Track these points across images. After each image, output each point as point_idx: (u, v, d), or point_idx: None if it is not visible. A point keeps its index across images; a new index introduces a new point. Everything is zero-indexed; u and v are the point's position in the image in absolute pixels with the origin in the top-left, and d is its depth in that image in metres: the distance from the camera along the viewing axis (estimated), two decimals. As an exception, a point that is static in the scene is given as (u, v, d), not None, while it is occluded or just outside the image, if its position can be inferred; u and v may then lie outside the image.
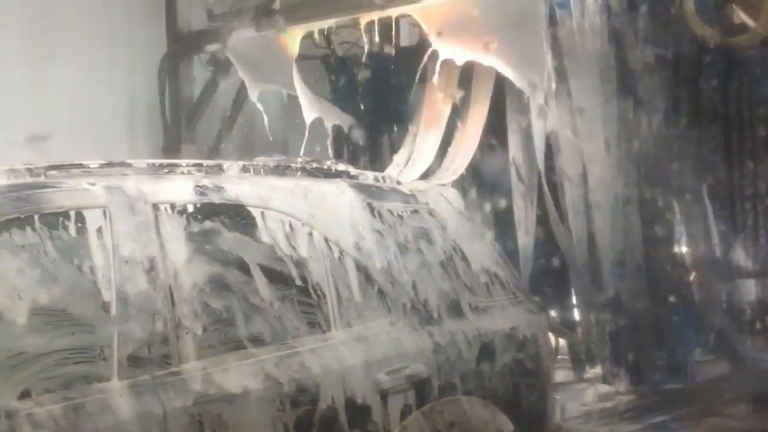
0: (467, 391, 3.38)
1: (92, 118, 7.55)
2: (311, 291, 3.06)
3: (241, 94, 8.41)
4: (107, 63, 7.77)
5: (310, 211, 3.17)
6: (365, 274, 3.23)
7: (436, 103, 6.56)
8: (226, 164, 3.14)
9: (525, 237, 6.48)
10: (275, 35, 7.37)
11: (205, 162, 3.11)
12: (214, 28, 7.95)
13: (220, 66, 8.19)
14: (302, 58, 7.48)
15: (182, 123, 8.38)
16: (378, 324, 3.22)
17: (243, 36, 7.61)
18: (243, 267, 2.90)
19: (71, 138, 7.02)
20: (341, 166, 3.50)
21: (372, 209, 3.36)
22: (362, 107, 7.49)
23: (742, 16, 5.56)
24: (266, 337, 2.90)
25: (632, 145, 6.20)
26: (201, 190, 2.91)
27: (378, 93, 7.28)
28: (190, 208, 2.85)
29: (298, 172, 3.33)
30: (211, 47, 7.99)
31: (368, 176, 3.55)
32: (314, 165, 3.40)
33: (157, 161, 3.01)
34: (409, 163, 6.43)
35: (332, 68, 8.01)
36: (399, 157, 6.63)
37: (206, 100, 8.44)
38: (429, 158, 6.39)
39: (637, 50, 6.16)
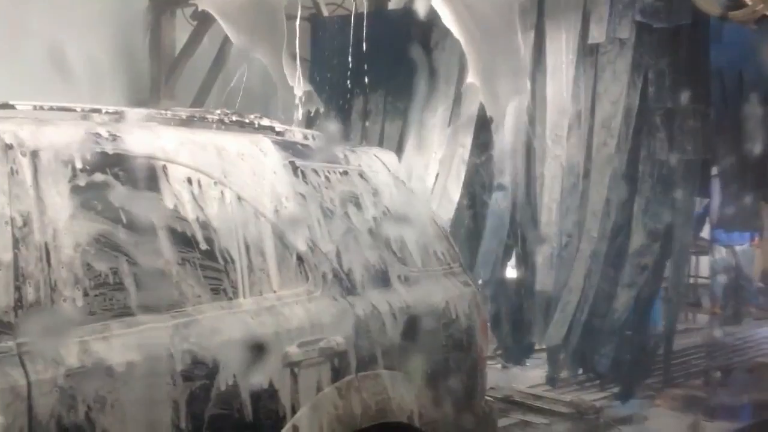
0: (390, 366, 2.91)
1: (71, 69, 6.98)
2: (218, 255, 2.56)
3: (223, 49, 7.85)
4: (88, 13, 7.18)
5: (223, 168, 2.65)
6: (282, 240, 2.73)
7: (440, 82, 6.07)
8: (129, 111, 2.62)
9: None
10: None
11: (105, 107, 2.59)
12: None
13: (204, 20, 7.61)
14: (286, 17, 6.89)
15: (162, 77, 7.83)
16: (293, 293, 2.73)
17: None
18: (137, 226, 2.39)
19: (48, 89, 6.45)
20: (265, 121, 2.97)
21: (295, 168, 2.84)
22: (346, 71, 6.91)
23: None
24: (160, 304, 2.41)
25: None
26: (93, 138, 2.40)
27: (366, 57, 6.70)
28: (78, 158, 2.34)
29: (214, 125, 2.81)
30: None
31: (296, 133, 3.03)
32: (234, 118, 2.88)
33: (47, 104, 2.49)
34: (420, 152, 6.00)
35: (317, 29, 7.41)
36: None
37: (188, 54, 7.87)
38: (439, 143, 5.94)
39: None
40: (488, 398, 3.37)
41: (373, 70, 6.65)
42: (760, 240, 9.71)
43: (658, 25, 5.50)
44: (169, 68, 7.82)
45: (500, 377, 6.15)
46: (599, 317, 5.76)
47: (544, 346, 6.05)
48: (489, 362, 6.28)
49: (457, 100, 6.30)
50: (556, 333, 5.72)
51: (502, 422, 5.31)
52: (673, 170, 5.51)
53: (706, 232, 8.28)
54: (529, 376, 6.28)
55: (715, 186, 5.89)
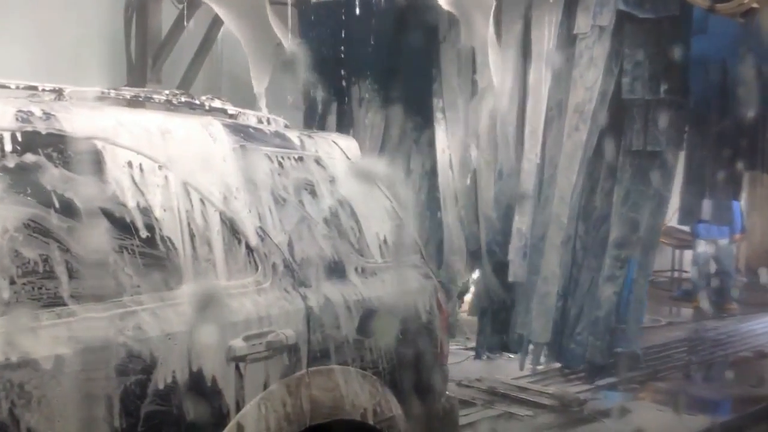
0: (343, 361, 2.79)
1: (56, 50, 6.81)
2: (159, 243, 2.42)
3: (210, 33, 7.68)
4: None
5: (168, 151, 2.51)
6: (230, 228, 2.60)
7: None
8: (68, 89, 2.48)
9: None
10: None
11: (42, 85, 2.44)
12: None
13: (190, 3, 7.42)
14: (274, 2, 6.71)
15: (148, 61, 7.64)
16: (241, 284, 2.60)
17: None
18: (71, 211, 2.26)
19: (32, 69, 6.28)
20: (217, 103, 2.83)
21: (245, 153, 2.71)
22: (334, 58, 6.73)
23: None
24: (94, 294, 2.27)
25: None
26: (24, 117, 2.25)
27: (358, 44, 6.51)
28: (7, 138, 2.20)
29: (161, 106, 2.67)
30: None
31: (249, 116, 2.88)
32: (183, 99, 2.73)
33: (-22, 80, 2.35)
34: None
35: (306, 15, 7.22)
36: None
37: (174, 38, 7.68)
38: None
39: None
40: (449, 394, 3.24)
41: (362, 57, 6.49)
42: (742, 234, 9.64)
43: (643, 15, 5.36)
44: (155, 52, 7.65)
45: (485, 369, 6.09)
46: (581, 309, 5.64)
47: (531, 339, 5.93)
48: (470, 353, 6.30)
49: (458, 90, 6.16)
50: (542, 328, 5.60)
51: (486, 413, 5.26)
52: (649, 162, 5.39)
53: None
54: (514, 368, 6.19)
55: (690, 180, 5.79)
